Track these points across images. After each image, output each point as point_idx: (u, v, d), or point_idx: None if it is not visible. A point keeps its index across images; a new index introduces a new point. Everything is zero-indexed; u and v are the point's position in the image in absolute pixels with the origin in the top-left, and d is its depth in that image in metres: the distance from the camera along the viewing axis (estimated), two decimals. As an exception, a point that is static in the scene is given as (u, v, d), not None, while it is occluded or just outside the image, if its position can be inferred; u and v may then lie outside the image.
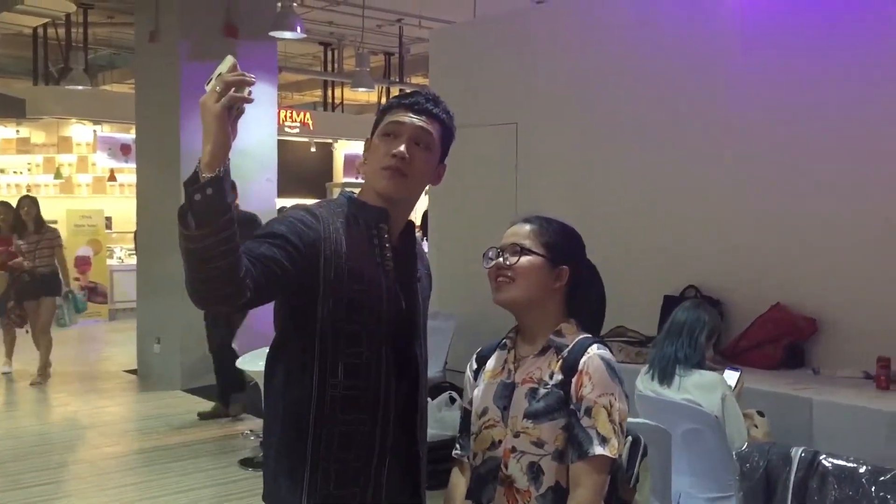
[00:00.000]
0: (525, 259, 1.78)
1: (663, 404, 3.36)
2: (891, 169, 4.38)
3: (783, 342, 4.52)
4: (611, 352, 1.77)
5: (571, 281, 1.81)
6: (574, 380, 1.70)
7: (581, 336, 1.78)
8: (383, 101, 10.93)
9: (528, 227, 1.83)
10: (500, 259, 1.81)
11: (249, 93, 1.49)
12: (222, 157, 1.45)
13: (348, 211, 1.76)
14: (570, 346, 1.75)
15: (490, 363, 1.89)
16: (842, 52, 4.56)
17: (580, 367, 1.70)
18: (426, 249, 7.60)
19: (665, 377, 3.40)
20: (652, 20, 5.50)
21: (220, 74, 1.47)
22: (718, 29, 5.13)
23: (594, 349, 1.73)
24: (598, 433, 1.66)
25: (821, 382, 4.18)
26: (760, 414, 3.60)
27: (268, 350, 1.80)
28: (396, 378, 1.75)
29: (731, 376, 3.53)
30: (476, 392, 1.87)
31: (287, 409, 1.71)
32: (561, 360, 1.74)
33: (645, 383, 3.50)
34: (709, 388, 3.31)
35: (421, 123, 1.76)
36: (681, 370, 3.37)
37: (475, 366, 1.93)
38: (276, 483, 1.73)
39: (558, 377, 1.72)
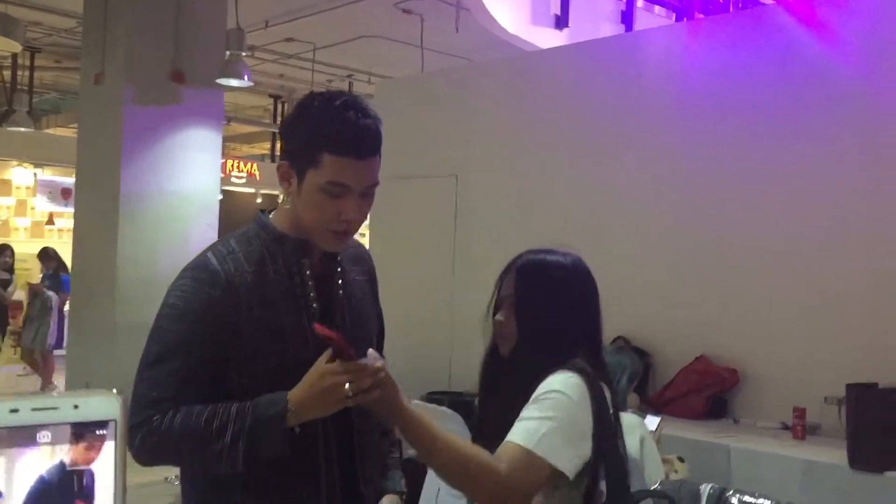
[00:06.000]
0: None
1: (584, 446, 3.42)
2: (809, 229, 4.58)
3: (706, 393, 4.63)
4: None
5: None
6: None
7: None
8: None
9: None
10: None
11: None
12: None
13: (263, 246, 1.59)
14: None
15: None
16: (766, 110, 4.80)
17: None
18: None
19: (587, 420, 3.46)
20: (585, 77, 5.72)
21: (358, 375, 1.41)
22: (651, 86, 5.36)
23: None
24: None
25: (740, 431, 4.29)
26: (681, 459, 3.68)
27: None
28: (333, 423, 1.57)
29: (651, 421, 3.60)
30: None
31: (209, 487, 1.57)
32: None
33: (568, 426, 3.55)
34: (628, 431, 3.33)
35: (369, 180, 1.56)
36: (602, 412, 3.43)
37: None
38: None
39: None
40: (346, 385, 1.39)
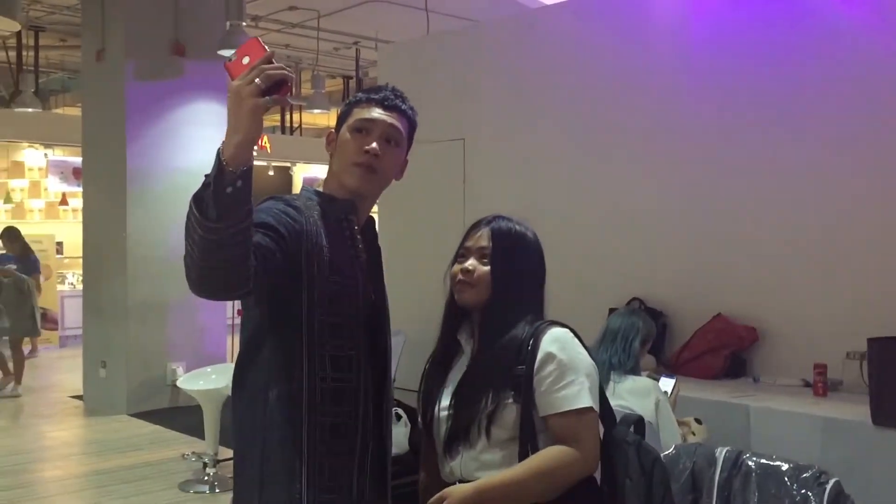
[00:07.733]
0: None
1: (598, 411, 3.34)
2: (826, 183, 4.44)
3: (724, 352, 4.54)
4: None
5: None
6: None
7: None
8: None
9: None
10: None
11: (288, 91, 1.44)
12: (251, 150, 1.41)
13: (318, 204, 1.76)
14: None
15: None
16: (781, 65, 4.63)
17: None
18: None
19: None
20: (588, 38, 5.56)
21: (257, 65, 1.38)
22: (662, 40, 5.19)
23: None
24: None
25: (760, 390, 4.20)
26: (698, 421, 3.60)
27: (239, 353, 1.76)
28: (371, 368, 1.75)
29: (666, 383, 3.52)
30: None
31: (273, 406, 1.67)
32: None
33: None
34: (642, 394, 3.29)
35: (392, 121, 1.77)
36: (615, 376, 3.35)
37: None
38: (265, 487, 1.68)
39: None
40: (256, 80, 1.38)
